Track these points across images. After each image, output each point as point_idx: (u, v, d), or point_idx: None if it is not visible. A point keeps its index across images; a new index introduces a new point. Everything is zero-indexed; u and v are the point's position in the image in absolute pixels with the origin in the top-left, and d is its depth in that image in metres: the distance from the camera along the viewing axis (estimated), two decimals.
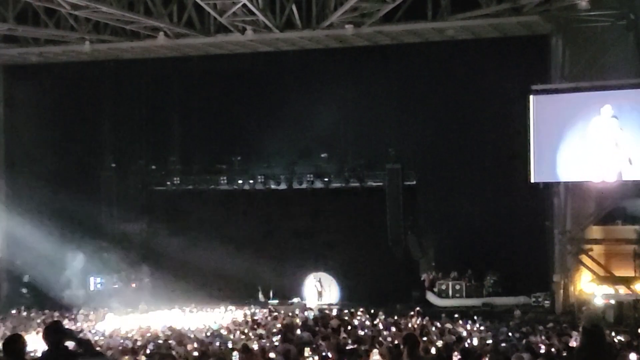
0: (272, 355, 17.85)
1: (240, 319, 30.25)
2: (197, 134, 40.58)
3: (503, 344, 20.72)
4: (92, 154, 40.76)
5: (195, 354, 18.66)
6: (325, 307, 35.52)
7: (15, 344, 8.02)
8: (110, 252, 41.30)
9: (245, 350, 17.44)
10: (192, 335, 23.66)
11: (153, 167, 41.57)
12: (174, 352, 18.27)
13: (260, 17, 33.42)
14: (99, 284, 39.83)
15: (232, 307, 33.83)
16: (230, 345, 20.68)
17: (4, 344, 8.12)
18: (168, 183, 40.95)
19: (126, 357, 14.70)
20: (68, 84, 40.47)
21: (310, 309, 34.10)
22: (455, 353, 16.89)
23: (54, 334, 8.17)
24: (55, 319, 26.07)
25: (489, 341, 21.63)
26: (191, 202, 39.82)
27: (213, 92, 39.83)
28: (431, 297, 37.21)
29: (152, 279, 40.17)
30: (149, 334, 24.62)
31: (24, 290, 38.69)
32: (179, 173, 40.86)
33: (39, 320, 29.02)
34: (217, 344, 21.59)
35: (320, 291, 38.25)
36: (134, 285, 40.05)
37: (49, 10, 34.75)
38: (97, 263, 40.09)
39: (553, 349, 18.88)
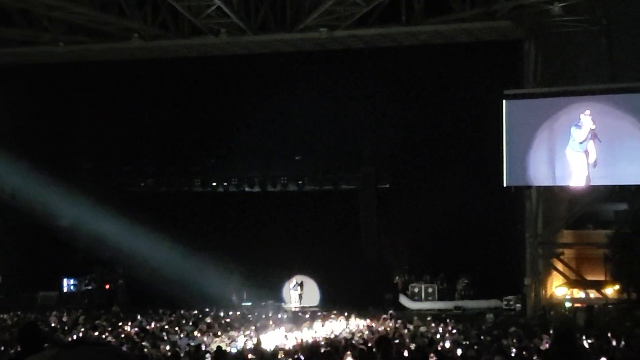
0: (250, 356, 17.93)
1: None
2: (171, 135, 40.50)
3: (475, 347, 20.88)
4: (67, 155, 40.59)
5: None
6: (299, 309, 35.54)
7: (32, 331, 8.09)
8: (84, 253, 41.15)
9: (218, 353, 17.47)
10: (165, 337, 23.64)
11: (127, 168, 41.44)
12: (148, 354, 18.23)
13: (234, 20, 33.43)
14: (72, 285, 39.66)
15: (207, 309, 33.77)
16: (203, 347, 20.69)
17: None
18: (142, 184, 40.86)
19: None
20: (42, 85, 40.27)
21: (284, 311, 34.15)
22: (432, 355, 17.03)
23: (31, 336, 8.16)
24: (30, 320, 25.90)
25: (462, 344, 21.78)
26: (165, 204, 39.73)
27: (187, 94, 39.81)
28: (404, 300, 37.37)
29: (126, 281, 40.01)
30: (122, 336, 24.54)
31: None
32: (153, 175, 40.79)
33: (10, 322, 28.83)
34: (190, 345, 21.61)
35: (300, 294, 38.27)
36: (107, 286, 39.89)
37: (23, 11, 34.57)
38: (72, 265, 39.97)
39: (524, 352, 19.03)
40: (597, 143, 32.08)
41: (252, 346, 21.14)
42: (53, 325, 28.06)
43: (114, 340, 22.91)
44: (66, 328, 27.67)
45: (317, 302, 38.06)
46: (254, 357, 18.19)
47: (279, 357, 18.11)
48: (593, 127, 32.01)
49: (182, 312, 31.88)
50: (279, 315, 32.39)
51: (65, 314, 32.31)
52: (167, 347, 20.86)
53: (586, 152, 32.23)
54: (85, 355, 2.41)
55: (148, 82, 40.67)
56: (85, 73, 39.76)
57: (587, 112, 32.10)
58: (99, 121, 40.89)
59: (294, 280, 38.50)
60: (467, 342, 22.73)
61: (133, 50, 37.11)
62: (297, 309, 35.77)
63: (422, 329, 27.30)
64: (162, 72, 39.51)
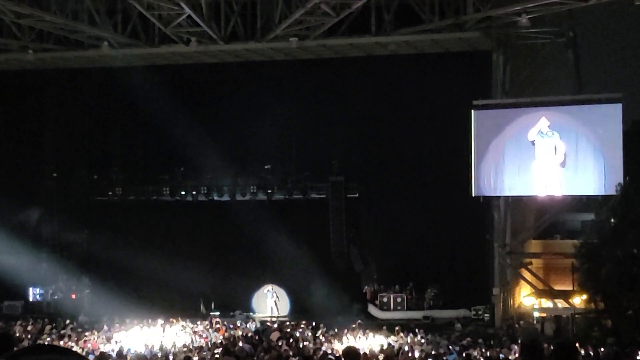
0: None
1: (181, 331, 30.14)
2: (140, 144, 40.28)
3: (444, 357, 20.96)
4: (34, 163, 40.26)
5: None
6: (267, 319, 35.43)
7: (6, 340, 8.06)
8: (50, 262, 40.83)
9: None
10: (132, 350, 23.50)
11: (95, 177, 41.19)
12: None
13: (204, 29, 33.39)
14: (38, 295, 39.33)
15: (172, 320, 33.56)
16: (171, 357, 20.60)
17: None
18: (110, 193, 40.63)
19: None
20: (10, 92, 39.98)
21: (253, 320, 34.05)
22: None
23: (3, 344, 8.10)
24: None
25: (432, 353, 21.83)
26: (133, 213, 39.46)
27: (157, 102, 39.47)
28: (373, 310, 37.37)
29: (93, 290, 39.70)
30: (89, 346, 24.42)
31: None
32: (121, 183, 40.56)
33: None
34: (158, 356, 21.53)
35: (275, 301, 38.15)
36: (73, 296, 39.57)
37: None
38: (37, 273, 39.64)
39: None
40: (563, 154, 32.36)
41: (219, 356, 21.05)
42: (18, 334, 27.79)
43: (80, 350, 22.75)
44: (31, 337, 27.46)
45: (287, 312, 37.97)
46: None
47: None
48: (559, 137, 32.29)
49: (148, 321, 31.66)
50: (248, 325, 32.31)
51: (30, 324, 32.03)
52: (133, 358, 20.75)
53: (553, 163, 32.48)
54: None
55: (117, 90, 40.33)
56: (54, 81, 39.50)
57: (554, 122, 32.37)
58: (66, 129, 40.58)
59: (267, 288, 38.33)
60: (436, 352, 22.80)
61: (103, 58, 36.94)
62: (267, 319, 35.65)
63: (391, 338, 27.36)
64: (131, 80, 39.18)
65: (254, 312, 37.73)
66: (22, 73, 38.80)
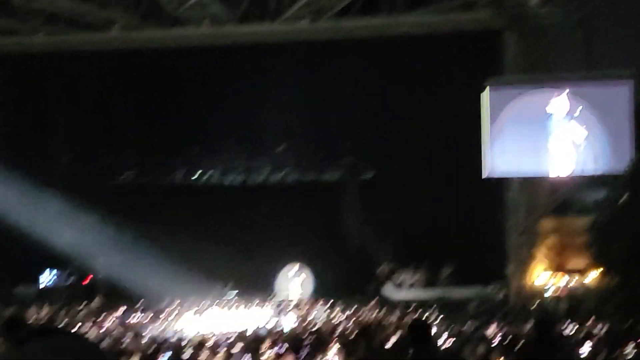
0: (233, 350, 17.95)
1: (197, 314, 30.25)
2: (152, 127, 40.31)
3: (459, 335, 20.99)
4: (46, 147, 40.34)
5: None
6: (288, 300, 35.45)
7: (18, 323, 8.21)
8: (64, 245, 41.02)
9: (201, 345, 17.47)
10: (146, 331, 23.61)
11: (108, 160, 41.32)
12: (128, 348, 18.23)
13: (216, 10, 33.35)
14: (51, 280, 39.50)
15: (188, 302, 33.65)
16: (185, 340, 20.68)
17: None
18: (123, 176, 40.74)
19: None
20: (21, 75, 40.01)
21: (270, 301, 34.08)
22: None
23: (15, 328, 8.15)
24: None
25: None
26: (147, 195, 39.58)
27: (169, 85, 39.64)
28: (388, 290, 37.44)
29: (107, 273, 39.91)
30: (104, 329, 24.55)
31: None
32: (134, 166, 40.66)
33: None
34: (173, 339, 21.62)
35: (299, 282, 38.04)
36: (88, 279, 39.75)
37: (2, 1, 34.30)
38: (51, 256, 39.86)
39: (507, 340, 19.12)
40: (576, 132, 32.28)
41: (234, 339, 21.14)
42: (32, 319, 27.92)
43: (94, 334, 22.87)
44: (45, 321, 27.59)
45: (310, 292, 37.85)
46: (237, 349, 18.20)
47: (262, 349, 18.13)
48: (572, 116, 32.21)
49: (164, 304, 31.78)
50: (265, 307, 32.40)
51: (44, 308, 32.13)
52: (148, 341, 20.83)
53: (566, 141, 32.41)
54: (35, 354, 2.21)
55: (129, 72, 40.48)
56: (65, 63, 39.49)
57: (567, 100, 32.28)
58: (79, 112, 40.67)
59: (290, 268, 38.22)
60: (451, 331, 22.84)
61: (114, 40, 36.90)
62: (288, 300, 35.63)
63: (406, 318, 27.41)
64: (143, 62, 39.33)
65: (275, 294, 37.68)
66: (33, 56, 38.80)
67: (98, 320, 28.20)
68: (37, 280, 38.98)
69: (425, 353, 8.77)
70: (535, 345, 11.46)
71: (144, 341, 20.79)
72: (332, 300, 32.44)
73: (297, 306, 31.94)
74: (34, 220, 38.34)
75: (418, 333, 9.01)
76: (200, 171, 39.76)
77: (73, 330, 8.18)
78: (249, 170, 39.12)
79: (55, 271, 39.62)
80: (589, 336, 19.58)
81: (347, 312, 29.94)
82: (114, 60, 38.92)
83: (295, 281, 38.13)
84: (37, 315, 29.97)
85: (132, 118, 41.46)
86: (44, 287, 38.89)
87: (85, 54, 38.80)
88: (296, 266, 38.25)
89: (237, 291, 37.57)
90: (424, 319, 26.84)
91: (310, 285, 38.06)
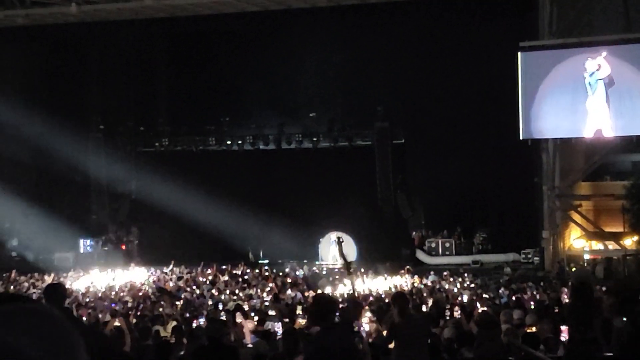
0: (270, 312, 17.97)
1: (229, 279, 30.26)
2: (185, 95, 40.35)
3: (494, 301, 20.83)
4: (80, 116, 40.44)
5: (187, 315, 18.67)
6: (315, 267, 35.39)
7: (57, 290, 8.42)
8: (99, 214, 41.30)
9: (236, 310, 17.42)
10: (183, 296, 23.66)
11: (141, 128, 41.48)
12: (164, 313, 18.25)
13: None
14: (88, 247, 39.80)
15: (223, 267, 33.70)
16: (220, 306, 20.70)
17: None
18: (156, 144, 40.88)
19: (116, 320, 14.68)
20: (55, 46, 40.11)
21: (301, 268, 34.02)
22: (456, 308, 17.06)
23: (58, 294, 8.27)
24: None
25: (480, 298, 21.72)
26: (180, 163, 39.64)
27: (201, 52, 39.60)
28: (421, 255, 37.32)
29: (142, 241, 40.18)
30: (140, 294, 24.63)
31: (13, 254, 38.63)
32: (167, 134, 40.76)
33: (26, 284, 28.91)
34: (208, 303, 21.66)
35: (340, 249, 37.66)
36: (123, 247, 40.03)
37: None
38: (87, 225, 40.18)
39: (543, 305, 18.94)
40: (613, 93, 31.82)
41: (269, 304, 21.13)
42: (69, 286, 28.10)
43: (130, 300, 22.96)
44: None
45: (355, 258, 37.50)
46: (273, 312, 18.18)
47: (297, 313, 18.11)
48: (609, 77, 31.73)
49: (198, 270, 31.86)
50: (297, 273, 32.37)
51: (81, 275, 32.42)
52: (184, 306, 20.89)
53: (602, 103, 31.97)
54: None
55: (161, 41, 40.56)
56: (97, 33, 39.49)
57: (603, 62, 31.79)
58: (112, 82, 40.77)
59: (331, 235, 37.86)
60: (486, 296, 22.70)
61: (146, 9, 36.83)
62: (328, 266, 35.49)
63: (442, 283, 27.31)
64: (175, 31, 39.31)
65: (320, 260, 37.53)
66: (65, 26, 38.82)
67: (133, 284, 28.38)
68: (74, 249, 39.23)
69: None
70: (573, 310, 11.29)
71: (179, 305, 20.86)
72: (365, 267, 32.31)
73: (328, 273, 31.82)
74: (68, 190, 38.62)
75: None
76: (231, 139, 39.68)
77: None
78: (281, 137, 38.98)
79: (90, 240, 39.87)
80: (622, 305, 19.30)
81: (380, 278, 29.83)
82: (147, 29, 38.91)
83: (333, 248, 37.92)
84: (74, 281, 30.13)
85: (164, 87, 41.64)
86: (81, 254, 39.15)
87: (118, 24, 38.75)
88: (335, 234, 38.00)
89: (266, 259, 37.65)
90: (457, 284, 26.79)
91: (353, 252, 37.75)
